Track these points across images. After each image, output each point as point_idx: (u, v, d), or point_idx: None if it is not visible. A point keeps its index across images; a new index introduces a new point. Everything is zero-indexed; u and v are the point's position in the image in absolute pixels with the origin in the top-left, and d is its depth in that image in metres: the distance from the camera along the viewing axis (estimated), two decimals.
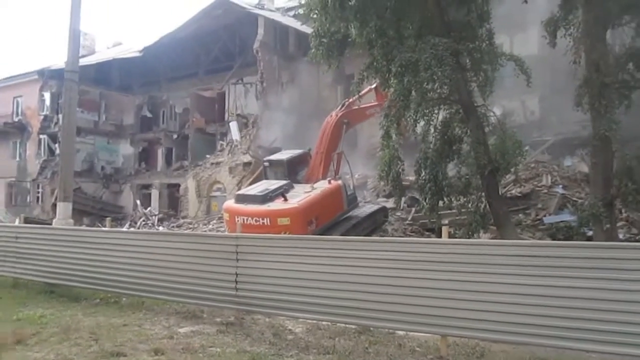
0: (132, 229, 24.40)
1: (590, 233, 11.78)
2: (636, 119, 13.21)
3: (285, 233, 12.74)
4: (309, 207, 13.73)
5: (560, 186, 17.52)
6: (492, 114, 13.29)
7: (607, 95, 10.69)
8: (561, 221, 14.48)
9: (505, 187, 16.95)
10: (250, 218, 13.58)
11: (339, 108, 17.17)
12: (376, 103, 17.27)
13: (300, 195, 14.18)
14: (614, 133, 10.52)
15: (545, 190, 17.46)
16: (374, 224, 16.91)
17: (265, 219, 13.45)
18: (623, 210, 14.46)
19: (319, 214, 14.04)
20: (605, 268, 5.72)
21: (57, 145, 32.47)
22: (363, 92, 15.17)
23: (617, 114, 10.94)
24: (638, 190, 10.94)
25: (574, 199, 16.63)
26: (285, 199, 13.89)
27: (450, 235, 13.00)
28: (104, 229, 13.29)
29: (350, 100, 16.63)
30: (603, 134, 10.62)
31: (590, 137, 11.59)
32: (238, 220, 13.49)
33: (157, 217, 29.21)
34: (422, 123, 12.67)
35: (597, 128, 10.84)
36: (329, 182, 15.15)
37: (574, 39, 11.55)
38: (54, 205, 15.88)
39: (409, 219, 17.76)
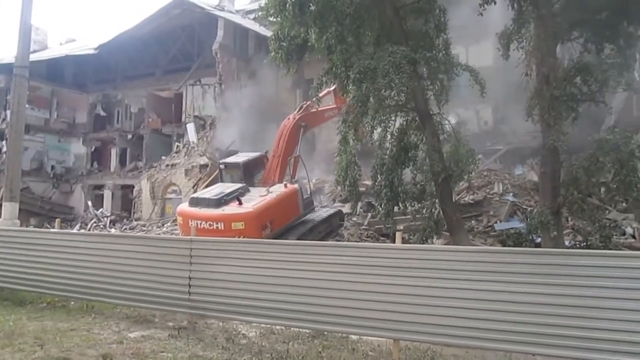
0: (82, 231, 23.74)
1: (538, 240, 12.14)
2: (583, 131, 13.76)
3: (239, 237, 12.65)
4: (264, 212, 13.66)
5: (511, 194, 18.03)
6: (447, 122, 13.59)
7: (556, 108, 11.04)
8: (511, 228, 14.85)
9: (458, 194, 17.35)
10: (204, 222, 13.42)
11: (296, 111, 17.17)
12: (334, 106, 17.34)
13: (256, 199, 14.10)
14: (561, 144, 10.90)
15: (497, 198, 17.94)
16: (330, 227, 16.96)
17: (219, 223, 13.31)
18: (569, 218, 15.01)
19: (274, 218, 13.99)
20: (550, 274, 5.93)
21: (4, 142, 31.19)
22: (322, 94, 15.25)
23: (565, 125, 11.33)
24: (583, 199, 11.37)
25: (524, 206, 17.16)
26: (240, 203, 13.78)
27: (404, 241, 13.23)
28: (52, 230, 12.86)
29: (308, 103, 16.66)
30: (552, 145, 10.99)
31: (539, 147, 11.99)
32: (192, 224, 13.33)
33: (109, 219, 28.49)
34: (379, 129, 12.85)
35: (546, 139, 11.20)
36: (285, 186, 15.13)
37: (526, 52, 11.90)
38: (0, 206, 15.31)
39: (365, 224, 17.91)
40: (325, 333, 7.44)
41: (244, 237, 12.57)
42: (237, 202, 13.82)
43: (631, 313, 5.51)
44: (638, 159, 10.70)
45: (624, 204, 13.87)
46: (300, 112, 16.81)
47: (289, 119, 16.79)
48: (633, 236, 15.19)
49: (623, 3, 10.37)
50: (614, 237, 13.27)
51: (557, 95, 11.03)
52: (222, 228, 13.21)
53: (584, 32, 11.67)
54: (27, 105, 18.46)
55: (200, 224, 13.34)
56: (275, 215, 14.01)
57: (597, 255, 6.37)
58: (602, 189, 13.31)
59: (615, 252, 8.67)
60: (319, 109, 16.75)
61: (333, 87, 16.15)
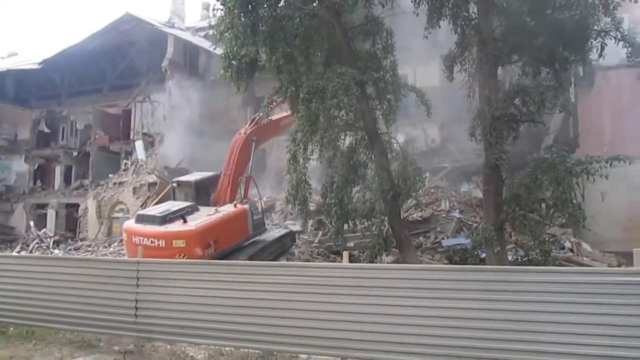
0: (22, 253, 22.84)
1: (483, 255, 12.51)
2: (524, 150, 14.31)
3: (180, 255, 12.53)
4: (206, 230, 13.54)
5: (457, 211, 18.49)
6: (395, 141, 13.89)
7: (497, 128, 11.48)
8: (458, 244, 15.21)
9: (407, 212, 17.66)
10: (146, 239, 13.25)
11: (248, 124, 16.69)
12: (289, 113, 16.01)
13: (201, 218, 13.98)
14: (503, 162, 11.32)
15: (444, 215, 18.37)
16: (282, 248, 16.90)
17: (160, 241, 13.15)
18: (512, 234, 15.53)
19: (219, 238, 13.84)
20: (490, 289, 6.17)
21: None
22: (275, 104, 15.06)
23: (506, 144, 11.77)
24: (525, 215, 11.79)
25: (470, 222, 17.63)
26: (185, 221, 13.64)
27: (355, 258, 13.39)
28: None
29: (261, 114, 16.41)
30: (494, 163, 11.40)
31: (483, 165, 12.42)
32: (135, 240, 13.19)
33: (52, 239, 27.46)
34: (329, 148, 13.01)
35: (488, 157, 11.61)
36: (235, 206, 15.02)
37: (469, 75, 12.37)
38: None
39: (316, 241, 17.97)
40: (275, 353, 7.42)
41: (184, 255, 12.49)
42: (182, 220, 13.67)
43: (562, 325, 5.79)
44: (574, 177, 11.23)
45: (562, 220, 14.47)
46: (252, 125, 16.36)
47: (240, 133, 16.38)
48: (571, 250, 15.89)
49: (558, 29, 10.91)
50: (554, 251, 13.80)
51: (498, 116, 11.48)
52: (163, 245, 13.05)
53: (522, 56, 12.19)
54: None
55: (143, 240, 13.20)
56: (220, 234, 13.87)
57: (533, 272, 6.67)
58: (543, 205, 13.90)
59: (547, 267, 9.02)
60: (273, 118, 16.29)
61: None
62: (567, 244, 16.17)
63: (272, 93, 13.57)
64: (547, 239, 13.20)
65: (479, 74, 11.92)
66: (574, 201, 11.29)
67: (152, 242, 13.15)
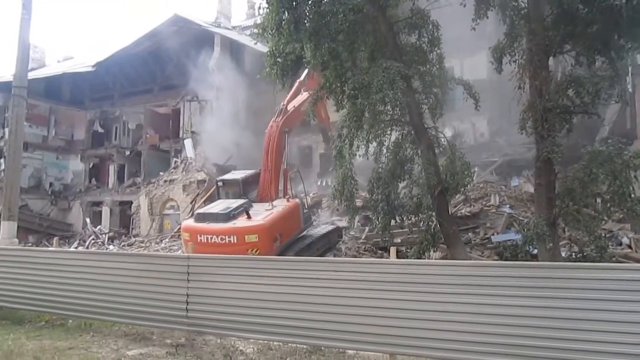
0: (79, 249, 23.74)
1: (535, 251, 12.16)
2: (577, 142, 13.81)
3: (253, 250, 12.74)
4: (274, 224, 13.84)
5: (508, 206, 18.05)
6: (442, 135, 13.67)
7: (549, 120, 11.11)
8: (508, 240, 14.84)
9: (455, 207, 17.37)
10: (215, 236, 13.48)
11: (277, 115, 16.84)
12: (308, 94, 15.95)
13: (263, 213, 14.24)
14: (555, 156, 10.95)
15: (494, 210, 17.94)
16: (328, 244, 16.99)
17: (231, 237, 13.39)
18: (566, 229, 15.04)
19: (283, 231, 14.13)
20: (544, 287, 5.98)
21: (1, 161, 31.24)
22: (292, 91, 15.57)
23: (558, 137, 11.38)
24: (579, 210, 11.38)
25: (521, 218, 17.16)
26: (250, 217, 13.89)
27: (402, 254, 13.28)
28: (49, 249, 12.88)
29: (286, 102, 16.50)
30: (546, 156, 11.04)
31: (535, 159, 12.06)
32: (201, 239, 13.38)
33: (107, 236, 28.48)
34: (374, 143, 12.91)
35: (540, 150, 11.26)
36: (287, 200, 15.25)
37: (519, 66, 12.00)
38: None
39: (363, 237, 17.92)
40: (322, 348, 7.45)
41: (257, 249, 12.69)
42: (246, 216, 13.92)
43: (621, 325, 5.56)
44: (631, 170, 10.76)
45: (619, 215, 13.89)
46: (282, 116, 16.55)
47: (272, 126, 16.56)
48: (629, 246, 15.25)
49: (613, 16, 10.45)
50: (611, 247, 13.27)
51: (550, 108, 11.10)
52: (235, 241, 13.30)
53: (575, 45, 11.75)
54: (25, 123, 18.53)
55: (210, 238, 13.42)
56: (283, 228, 14.19)
57: (587, 268, 6.44)
58: (598, 200, 13.39)
59: (605, 264, 8.64)
60: (296, 105, 16.57)
61: (303, 76, 15.90)
62: (625, 240, 15.51)
63: (317, 89, 13.59)
64: (603, 235, 12.71)
65: (529, 64, 11.53)
66: (632, 195, 10.79)
67: (222, 239, 13.39)
